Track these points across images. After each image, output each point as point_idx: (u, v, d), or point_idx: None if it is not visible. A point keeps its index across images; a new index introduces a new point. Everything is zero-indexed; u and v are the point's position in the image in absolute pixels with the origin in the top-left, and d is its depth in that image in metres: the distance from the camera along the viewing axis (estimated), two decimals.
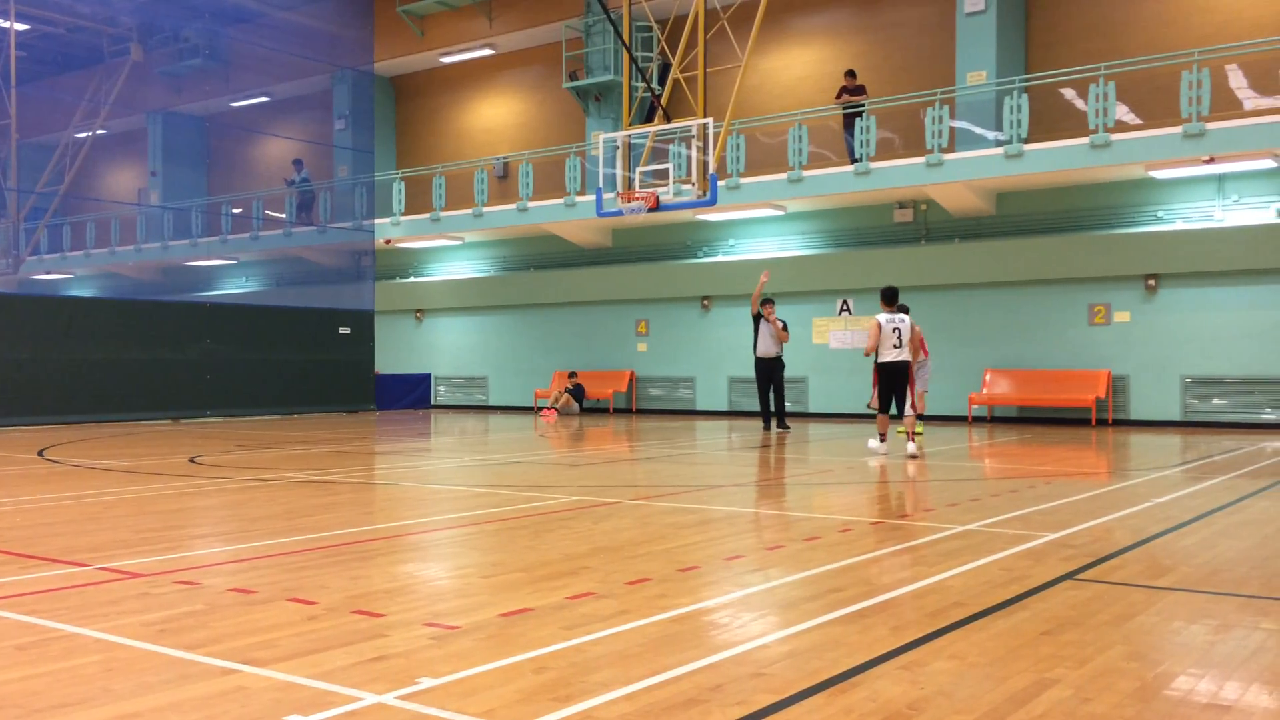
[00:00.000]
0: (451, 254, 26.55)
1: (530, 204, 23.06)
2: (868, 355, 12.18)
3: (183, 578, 5.06)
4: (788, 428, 15.97)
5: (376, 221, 25.77)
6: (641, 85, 21.90)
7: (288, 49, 27.28)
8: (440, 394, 26.59)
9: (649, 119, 21.26)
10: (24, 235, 31.87)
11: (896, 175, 18.57)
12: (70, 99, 32.21)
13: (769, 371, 15.88)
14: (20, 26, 28.36)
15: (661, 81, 21.74)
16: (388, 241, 25.81)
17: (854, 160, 19.06)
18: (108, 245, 30.99)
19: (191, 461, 11.35)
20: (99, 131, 32.86)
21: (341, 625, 4.11)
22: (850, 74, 20.12)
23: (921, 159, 18.21)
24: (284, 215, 28.14)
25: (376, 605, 4.44)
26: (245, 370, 21.07)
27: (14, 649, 3.79)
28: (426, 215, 24.97)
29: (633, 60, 17.09)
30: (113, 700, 3.20)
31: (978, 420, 18.87)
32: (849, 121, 19.55)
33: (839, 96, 20.03)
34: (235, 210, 29.54)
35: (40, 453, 12.50)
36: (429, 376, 25.66)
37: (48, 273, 31.77)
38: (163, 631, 3.99)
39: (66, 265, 31.77)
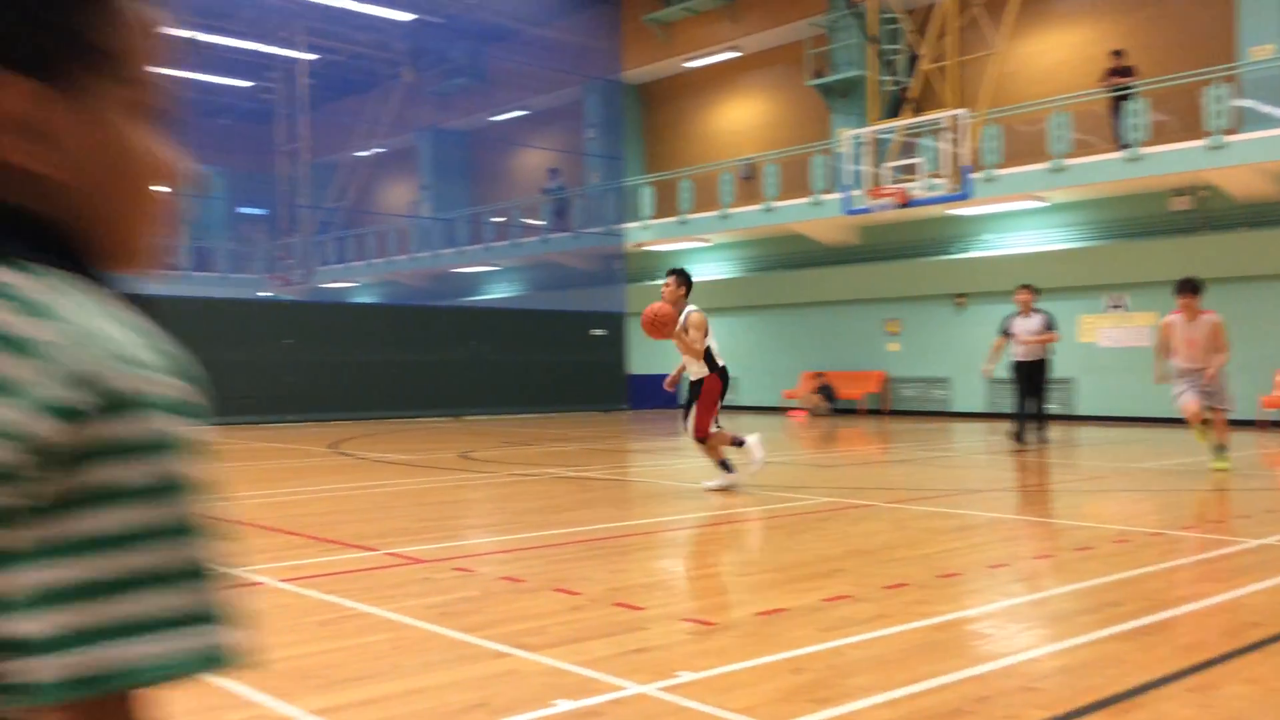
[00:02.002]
0: (699, 256, 26.90)
1: (776, 204, 23.03)
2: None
3: (459, 565, 5.39)
4: (1048, 440, 13.58)
5: (627, 226, 26.48)
6: (888, 79, 21.41)
7: (542, 63, 28.51)
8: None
9: (896, 113, 20.76)
10: (314, 248, 34.86)
11: (1172, 160, 17.25)
12: (351, 121, 34.98)
13: (1027, 374, 13.82)
14: (309, 56, 31.05)
15: (909, 74, 21.19)
16: (638, 245, 26.47)
17: (1123, 146, 17.87)
18: (385, 255, 33.43)
19: (462, 456, 12.07)
20: (377, 150, 35.51)
21: (603, 616, 4.26)
22: (1117, 54, 18.87)
23: (1200, 142, 16.83)
24: (541, 222, 29.42)
25: (636, 599, 4.58)
26: (506, 370, 22.18)
27: (315, 624, 4.17)
28: (674, 218, 25.43)
29: (879, 54, 16.70)
30: (401, 676, 3.46)
31: (1270, 425, 17.26)
32: (1116, 105, 18.34)
33: (1105, 79, 18.83)
34: (496, 219, 31.15)
35: (333, 446, 13.63)
36: None
37: (335, 282, 34.63)
38: (443, 614, 4.28)
39: (351, 274, 34.52)
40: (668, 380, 8.97)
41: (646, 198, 26.45)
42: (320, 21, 29.53)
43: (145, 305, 0.73)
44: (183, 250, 36.63)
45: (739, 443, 8.68)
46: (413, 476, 9.92)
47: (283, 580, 4.97)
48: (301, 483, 9.39)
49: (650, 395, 25.01)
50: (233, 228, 37.93)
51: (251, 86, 34.65)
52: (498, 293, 31.64)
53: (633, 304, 26.33)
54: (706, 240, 25.71)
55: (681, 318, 8.53)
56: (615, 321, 24.58)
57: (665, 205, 26.16)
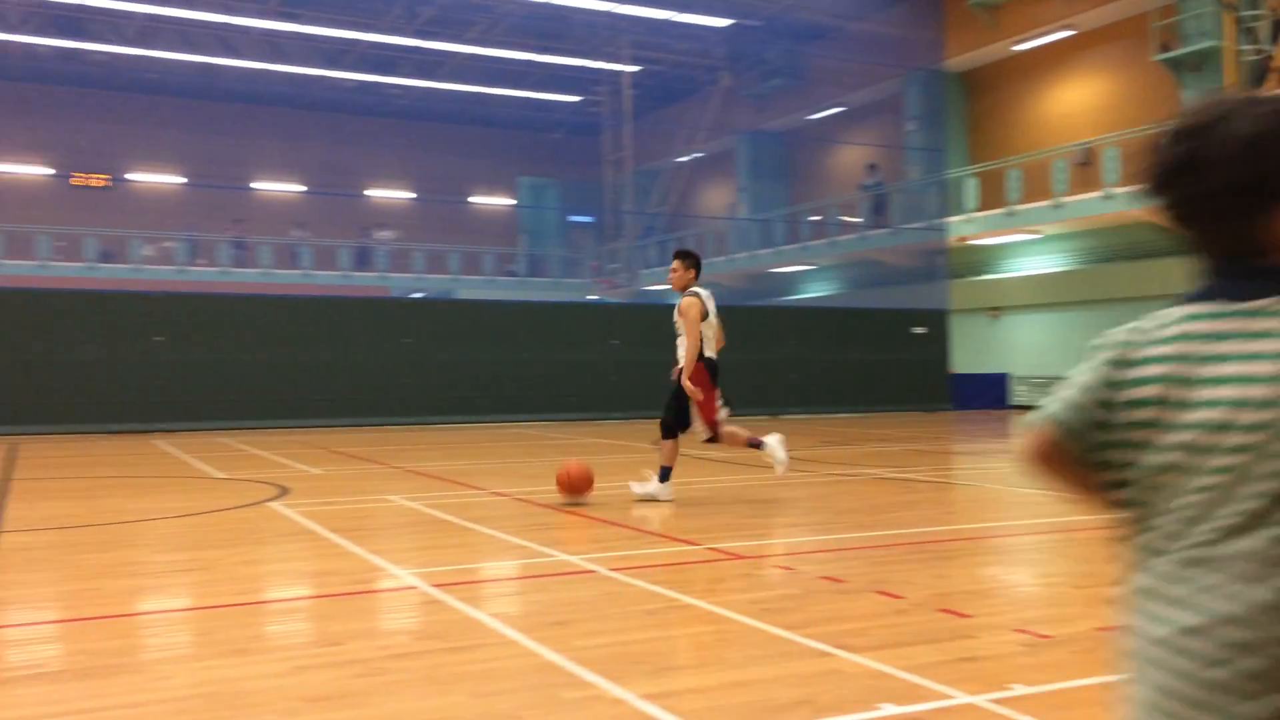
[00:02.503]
0: (1029, 249, 25.49)
1: (1117, 190, 21.40)
2: None
3: (779, 563, 5.44)
4: None
5: (949, 220, 25.56)
6: (1249, 48, 19.31)
7: (861, 58, 28.08)
8: (1019, 394, 25.64)
9: (1260, 84, 18.69)
10: (638, 252, 36.25)
11: None
12: (672, 128, 36.06)
13: None
14: (633, 69, 32.34)
15: (1273, 41, 19.02)
16: (962, 239, 25.48)
17: None
18: (704, 256, 34.18)
19: None
20: (696, 155, 36.41)
21: (928, 622, 4.15)
22: None
23: None
24: (859, 219, 29.00)
25: (962, 605, 4.42)
26: (824, 369, 22.06)
27: (643, 613, 4.35)
28: (1001, 210, 24.25)
29: (1237, 21, 15.11)
30: (726, 668, 3.54)
31: None
32: None
33: None
34: (813, 218, 31.05)
35: (659, 443, 14.13)
36: (1006, 376, 24.88)
37: (657, 284, 35.88)
38: (765, 610, 4.33)
39: None
40: (675, 372, 8.00)
41: (971, 190, 25.42)
42: (643, 34, 30.67)
43: None
44: (520, 258, 39.26)
45: (757, 443, 7.91)
46: (731, 474, 10.10)
47: (612, 570, 5.22)
48: (629, 478, 9.81)
49: (976, 395, 24.02)
50: (563, 235, 40.21)
51: (580, 101, 36.58)
52: (815, 291, 31.54)
53: (956, 300, 25.39)
54: (1037, 232, 24.33)
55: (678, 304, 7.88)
56: (937, 319, 23.80)
57: (991, 197, 25.02)
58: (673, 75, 34.93)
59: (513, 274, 38.20)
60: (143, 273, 31.95)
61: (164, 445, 13.47)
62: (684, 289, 7.96)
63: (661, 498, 7.81)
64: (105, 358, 16.15)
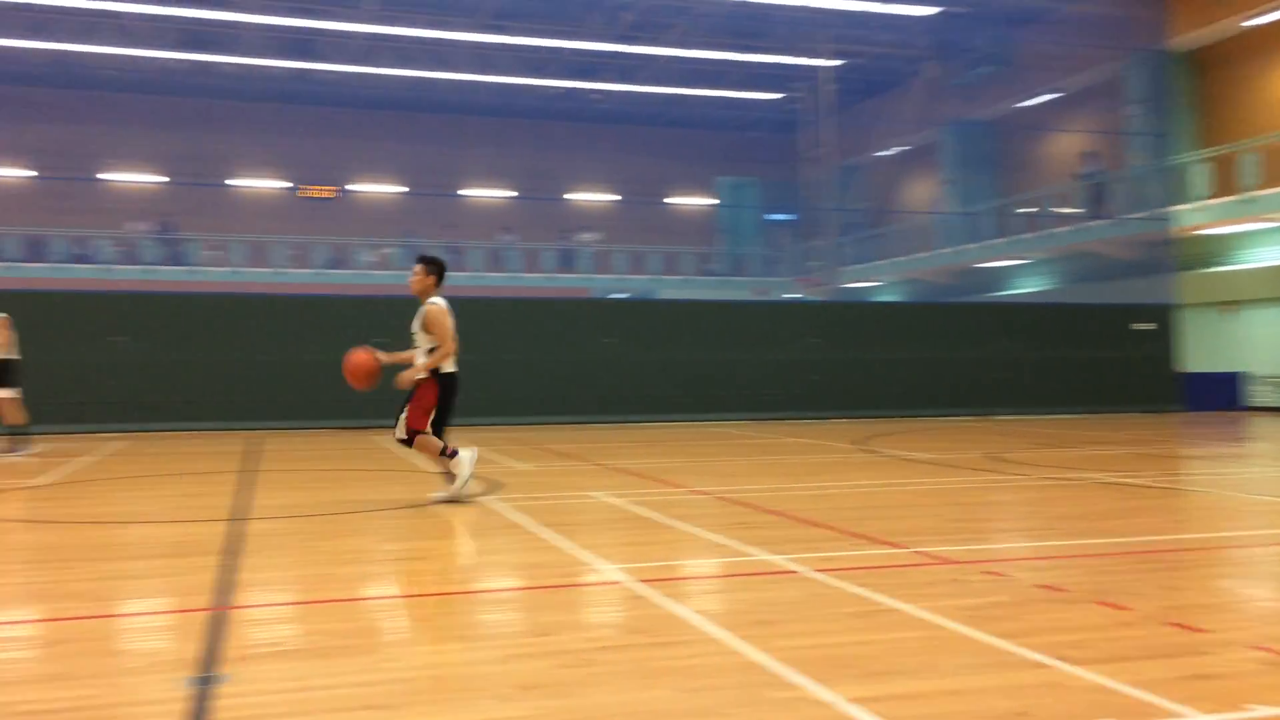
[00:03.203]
0: (1268, 238, 23.60)
1: None
2: None
3: (990, 569, 5.25)
4: None
5: (1176, 209, 23.97)
6: None
7: (1076, 41, 26.69)
8: (1259, 395, 23.78)
9: None
10: (839, 250, 35.71)
11: None
12: (874, 122, 35.35)
13: None
14: (833, 63, 31.85)
15: None
16: (1190, 230, 23.85)
17: None
18: (908, 253, 33.33)
19: (990, 457, 11.71)
20: (899, 149, 35.56)
21: (1156, 635, 3.92)
22: None
23: None
24: (1075, 210, 27.58)
25: (1195, 619, 4.15)
26: (1037, 368, 21.10)
27: (849, 616, 4.29)
28: (1235, 197, 22.54)
29: None
30: (937, 675, 3.45)
31: None
32: None
33: None
34: (1024, 210, 29.73)
35: (859, 443, 13.91)
36: (1239, 375, 23.12)
37: (858, 281, 35.24)
38: (976, 617, 4.19)
39: (873, 273, 34.89)
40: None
41: (1200, 176, 23.75)
42: (844, 27, 30.18)
43: None
44: (720, 257, 39.38)
45: (451, 453, 7.55)
46: (939, 476, 9.81)
47: (816, 570, 5.17)
48: (830, 478, 9.68)
49: (1207, 395, 22.46)
50: (763, 234, 40.06)
51: (779, 98, 36.36)
52: (1026, 287, 30.20)
53: (1186, 294, 23.80)
54: (1277, 220, 22.50)
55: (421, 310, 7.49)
56: (1163, 314, 22.37)
57: (1223, 183, 23.31)
58: (875, 67, 34.21)
59: (712, 273, 38.37)
60: (364, 278, 33.89)
61: (384, 441, 14.26)
62: (424, 295, 7.66)
63: (462, 494, 7.66)
64: (333, 359, 17.25)
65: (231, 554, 5.77)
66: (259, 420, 16.60)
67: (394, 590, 5.19)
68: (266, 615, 4.60)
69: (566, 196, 39.96)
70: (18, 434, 12.09)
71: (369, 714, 3.16)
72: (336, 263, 35.14)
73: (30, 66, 33.10)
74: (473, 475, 7.70)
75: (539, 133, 38.83)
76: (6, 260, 32.21)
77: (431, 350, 7.42)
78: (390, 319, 17.84)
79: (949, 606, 4.39)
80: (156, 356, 16.47)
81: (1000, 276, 31.18)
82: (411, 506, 7.85)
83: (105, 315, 16.72)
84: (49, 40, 30.62)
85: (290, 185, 37.27)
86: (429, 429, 7.53)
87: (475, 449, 7.80)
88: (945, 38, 31.20)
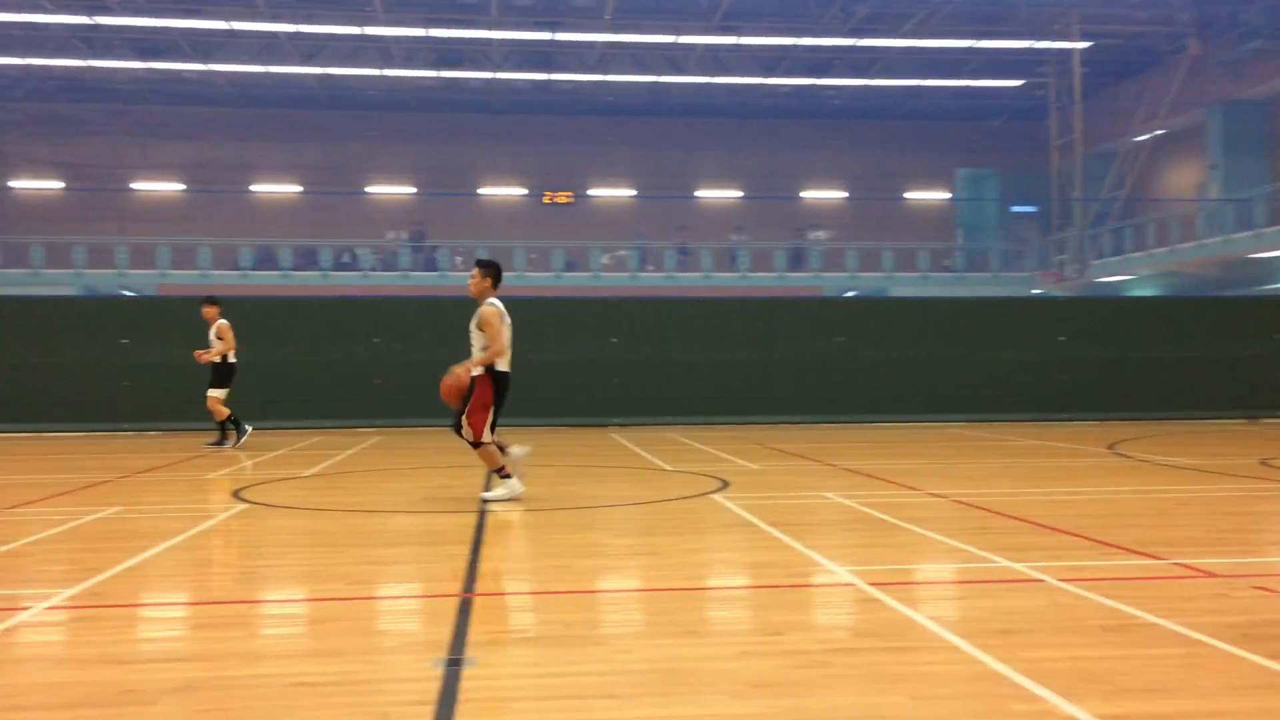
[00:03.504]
0: None
1: None
2: None
3: (1261, 584, 4.83)
4: None
5: None
6: None
7: None
8: None
9: None
10: (1088, 242, 33.72)
11: None
12: (1128, 105, 33.16)
13: None
14: (1083, 45, 30.14)
15: None
16: None
17: None
18: (1167, 244, 31.04)
19: (1263, 463, 10.75)
20: (1157, 132, 33.19)
21: None
22: None
23: None
24: None
25: None
26: None
27: (1098, 629, 4.05)
28: None
29: None
30: (1197, 695, 3.21)
31: None
32: None
33: None
34: None
35: (1110, 447, 13.10)
36: None
37: (1111, 275, 33.15)
38: (1245, 636, 3.87)
39: (1128, 266, 32.71)
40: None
41: None
42: (1095, 7, 28.50)
43: None
44: (958, 253, 38.03)
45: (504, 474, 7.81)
46: (1201, 483, 9.10)
47: (1061, 580, 4.92)
48: (1077, 483, 9.17)
49: None
50: (1004, 227, 38.37)
51: (1023, 85, 34.73)
52: None
53: None
54: None
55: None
56: None
57: None
58: (1129, 48, 32.11)
59: (949, 270, 37.10)
60: (599, 280, 34.87)
61: (618, 438, 14.62)
62: (481, 297, 7.86)
63: (513, 495, 7.84)
64: (567, 358, 17.84)
65: (477, 544, 6.08)
66: (502, 417, 17.43)
67: (628, 584, 5.32)
68: (508, 603, 4.83)
69: (799, 195, 39.66)
70: (225, 428, 13.01)
71: (604, 703, 3.26)
72: (573, 265, 36.33)
73: (301, 91, 36.05)
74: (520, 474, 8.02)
75: (771, 132, 38.75)
76: (280, 269, 35.18)
77: (486, 349, 7.71)
78: (620, 319, 18.28)
79: (1212, 623, 4.07)
80: (411, 356, 17.56)
81: (1274, 268, 28.55)
82: (644, 503, 8.02)
83: (366, 318, 17.98)
84: (319, 66, 33.23)
85: (530, 192, 38.85)
86: (489, 434, 7.82)
87: (529, 446, 8.20)
88: (1209, 12, 28.89)
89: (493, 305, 7.78)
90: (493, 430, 7.91)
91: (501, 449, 7.95)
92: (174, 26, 30.07)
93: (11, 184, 37.40)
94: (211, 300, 13.02)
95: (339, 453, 12.65)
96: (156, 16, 29.15)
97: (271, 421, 16.60)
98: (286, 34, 30.76)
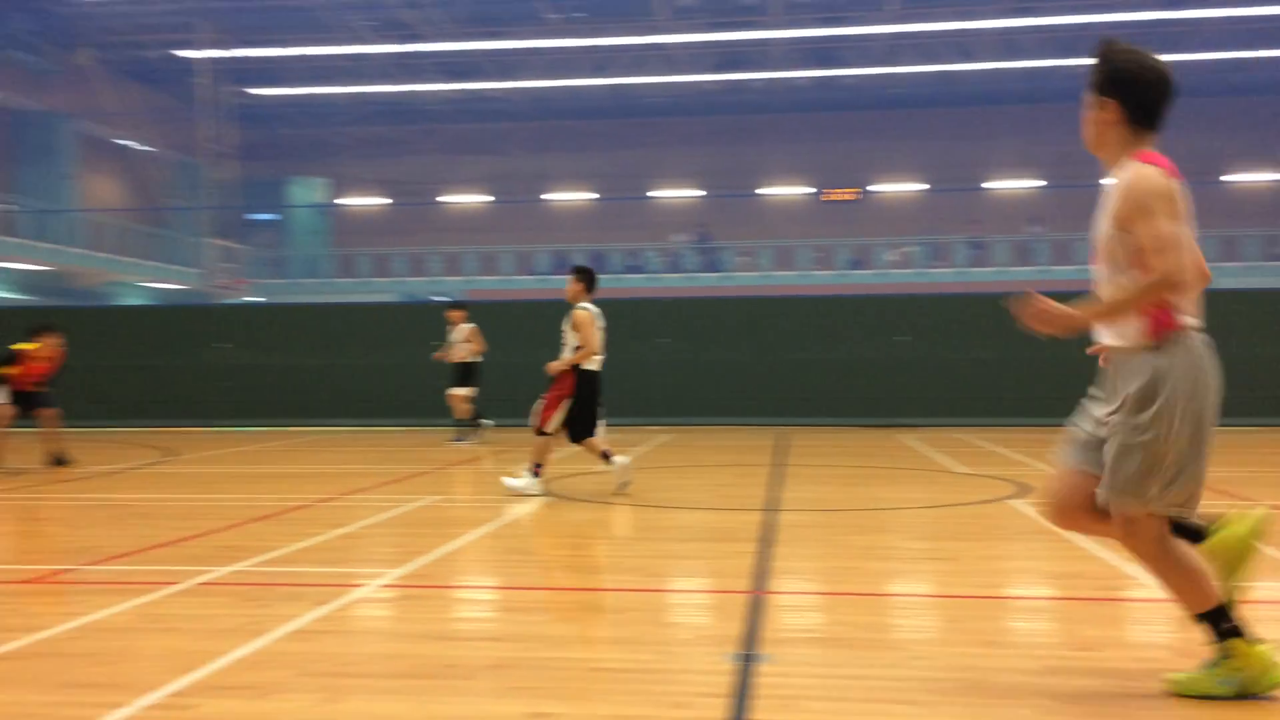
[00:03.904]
0: None
1: None
2: None
3: None
4: None
5: None
6: None
7: None
8: None
9: None
10: None
11: None
12: None
13: None
14: None
15: None
16: None
17: None
18: None
19: None
20: None
21: None
22: None
23: None
24: None
25: None
26: None
27: None
28: None
29: None
30: None
31: None
32: None
33: None
34: None
35: None
36: None
37: None
38: None
39: None
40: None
41: None
42: None
43: None
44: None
45: (606, 456, 8.21)
46: None
47: None
48: None
49: None
50: None
51: None
52: None
53: None
54: None
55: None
56: None
57: None
58: None
59: None
60: (885, 277, 34.11)
61: (908, 440, 14.24)
62: (575, 300, 8.38)
63: (530, 492, 8.09)
64: (857, 356, 17.57)
65: (765, 542, 6.11)
66: (786, 416, 17.40)
67: (922, 588, 5.18)
68: (798, 602, 4.82)
69: (1103, 181, 37.12)
70: (464, 425, 13.83)
71: (900, 709, 3.19)
72: (858, 263, 35.75)
73: (592, 102, 37.60)
74: (537, 482, 8.20)
75: (1070, 116, 36.33)
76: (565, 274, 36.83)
77: (578, 349, 8.23)
78: (907, 316, 17.79)
79: None
80: (696, 356, 17.90)
81: None
82: (936, 507, 7.78)
83: (653, 319, 18.50)
84: (608, 77, 34.55)
85: (814, 190, 38.60)
86: (553, 429, 8.22)
87: (630, 459, 8.45)
88: None
89: (585, 309, 8.32)
90: (589, 433, 8.32)
91: (606, 456, 8.28)
92: (479, 49, 32.20)
93: (341, 202, 41.33)
94: (458, 305, 14.02)
95: (630, 450, 13.09)
96: (464, 40, 31.32)
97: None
98: (579, 48, 32.19)
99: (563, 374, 8.24)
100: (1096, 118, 3.23)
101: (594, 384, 8.32)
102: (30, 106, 31.67)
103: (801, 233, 37.10)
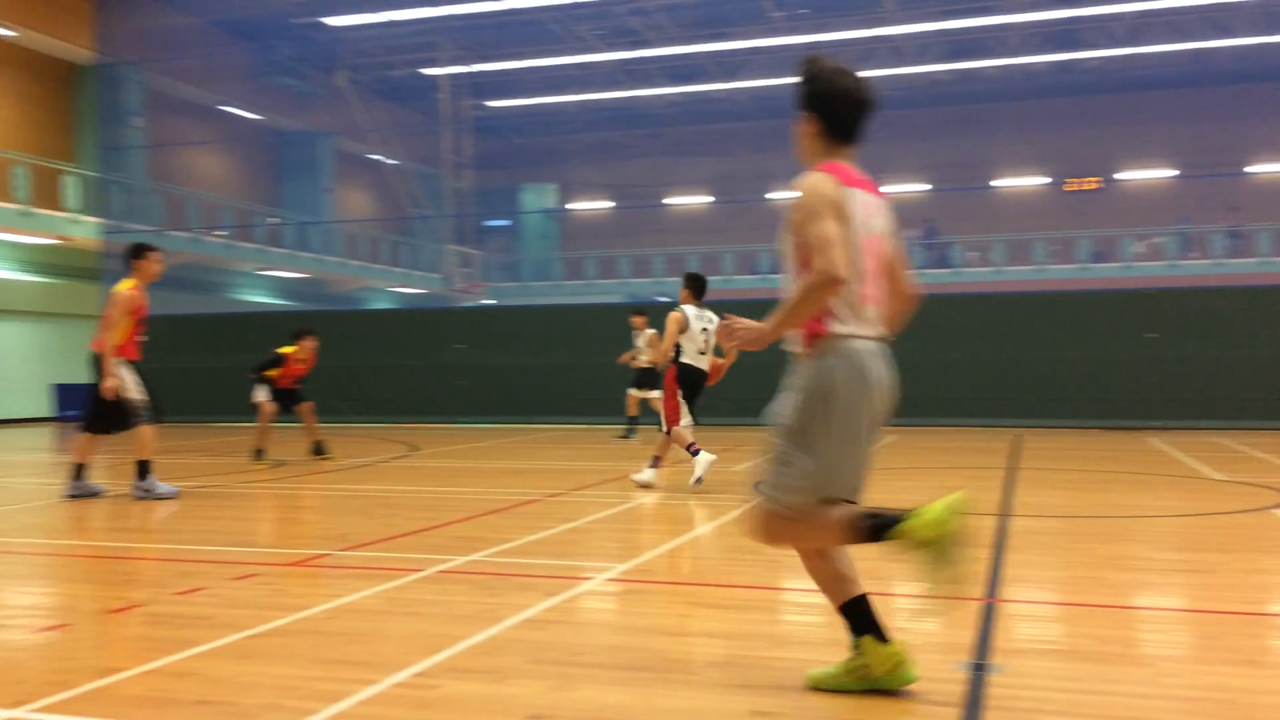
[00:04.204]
0: None
1: None
2: None
3: None
4: None
5: None
6: None
7: None
8: None
9: None
10: None
11: None
12: None
13: None
14: None
15: None
16: None
17: None
18: None
19: None
20: None
21: None
22: None
23: None
24: None
25: None
26: None
27: None
28: None
29: None
30: None
31: None
32: None
33: None
34: None
35: None
36: None
37: None
38: None
39: None
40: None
41: None
42: None
43: None
44: None
45: (694, 450, 8.63)
46: None
47: None
48: None
49: None
50: None
51: None
52: None
53: None
54: None
55: None
56: None
57: None
58: None
59: None
60: (1132, 270, 32.04)
61: (1157, 443, 13.33)
62: (684, 303, 9.03)
63: (650, 483, 8.78)
64: (1099, 355, 16.59)
65: (998, 548, 5.87)
66: (1020, 417, 16.63)
67: (1172, 602, 4.85)
68: (1034, 612, 4.61)
69: None
70: (628, 426, 14.71)
71: None
72: (1100, 256, 33.77)
73: None
74: (655, 474, 8.86)
75: None
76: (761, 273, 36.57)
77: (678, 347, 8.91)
78: (1158, 313, 16.63)
79: None
80: (925, 354, 17.41)
81: None
82: (1189, 515, 7.25)
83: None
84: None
85: (1052, 180, 36.71)
86: (680, 420, 8.75)
87: (714, 456, 8.71)
88: None
89: (676, 311, 8.98)
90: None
91: (690, 449, 8.63)
92: (702, 51, 32.46)
93: (570, 207, 42.67)
94: (639, 310, 14.50)
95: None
96: (687, 44, 31.66)
97: None
98: (803, 45, 31.94)
99: (668, 369, 8.96)
100: (800, 130, 3.42)
101: (690, 378, 8.84)
102: (294, 126, 34.39)
103: (1038, 225, 35.36)
